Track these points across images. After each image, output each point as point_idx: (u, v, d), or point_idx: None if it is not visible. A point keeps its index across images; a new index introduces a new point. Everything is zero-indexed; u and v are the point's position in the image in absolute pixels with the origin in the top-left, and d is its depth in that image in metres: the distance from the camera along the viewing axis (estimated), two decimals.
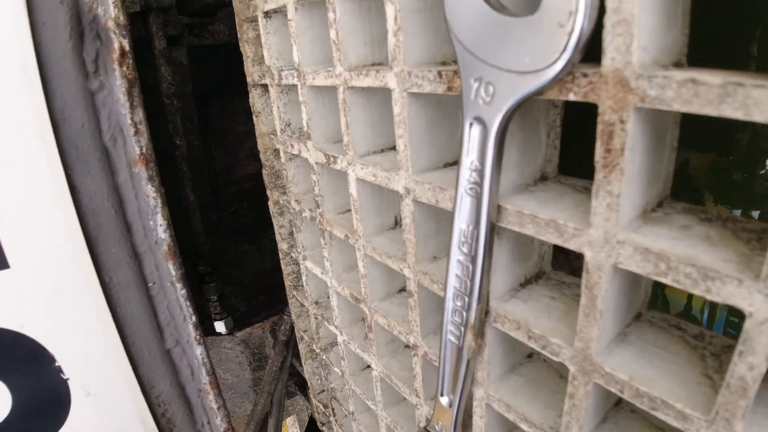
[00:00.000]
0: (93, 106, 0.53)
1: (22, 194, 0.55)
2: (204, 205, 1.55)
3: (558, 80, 0.25)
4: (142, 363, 0.68)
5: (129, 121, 0.54)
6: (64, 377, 0.67)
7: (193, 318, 0.67)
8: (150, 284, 0.64)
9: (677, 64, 0.27)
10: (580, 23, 0.23)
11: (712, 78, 0.21)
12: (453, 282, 0.36)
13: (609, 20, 0.23)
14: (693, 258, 0.24)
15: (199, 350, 0.68)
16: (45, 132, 0.53)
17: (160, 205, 0.59)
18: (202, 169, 1.48)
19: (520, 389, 0.40)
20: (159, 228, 0.60)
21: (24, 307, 0.61)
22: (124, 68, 0.52)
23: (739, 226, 0.27)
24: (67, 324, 0.63)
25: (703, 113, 0.22)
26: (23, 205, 0.55)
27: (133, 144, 0.55)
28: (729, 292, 0.23)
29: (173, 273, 0.63)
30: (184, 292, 0.65)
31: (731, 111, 0.21)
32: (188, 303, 0.65)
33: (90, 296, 0.62)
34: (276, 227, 0.71)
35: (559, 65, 0.24)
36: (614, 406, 0.37)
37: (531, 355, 0.43)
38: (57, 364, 0.66)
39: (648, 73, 0.23)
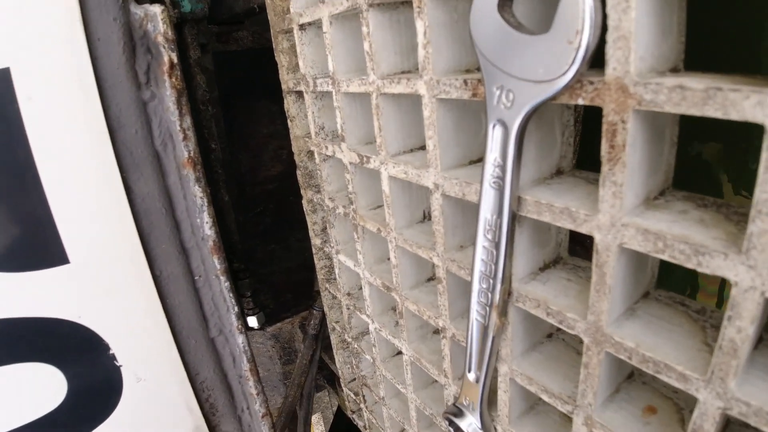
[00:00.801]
0: (145, 114, 0.59)
1: (81, 195, 0.60)
2: (232, 206, 1.61)
3: (569, 87, 0.30)
4: (188, 350, 0.73)
5: (178, 128, 0.60)
6: (118, 364, 0.72)
7: (236, 309, 0.72)
8: (197, 277, 0.69)
9: (674, 70, 0.31)
10: (586, 40, 0.27)
11: (696, 84, 0.25)
12: (479, 266, 0.40)
13: (611, 36, 0.27)
14: (686, 237, 0.28)
15: (240, 339, 0.74)
16: (102, 138, 0.58)
17: (206, 204, 0.64)
18: (228, 171, 1.55)
19: (541, 364, 0.44)
20: (205, 225, 0.66)
21: (82, 299, 0.66)
22: (173, 79, 0.58)
23: (731, 210, 0.31)
24: (122, 314, 0.69)
25: (690, 114, 0.26)
26: (82, 205, 0.61)
27: (182, 148, 0.61)
28: (717, 265, 0.27)
29: (218, 266, 0.68)
30: (227, 284, 0.70)
31: (713, 111, 0.25)
32: (231, 295, 0.71)
33: (142, 288, 0.68)
34: (309, 224, 0.76)
35: (568, 75, 0.28)
36: (626, 378, 0.41)
37: (551, 335, 0.47)
38: (111, 351, 0.71)
39: (644, 80, 0.27)
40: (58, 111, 0.55)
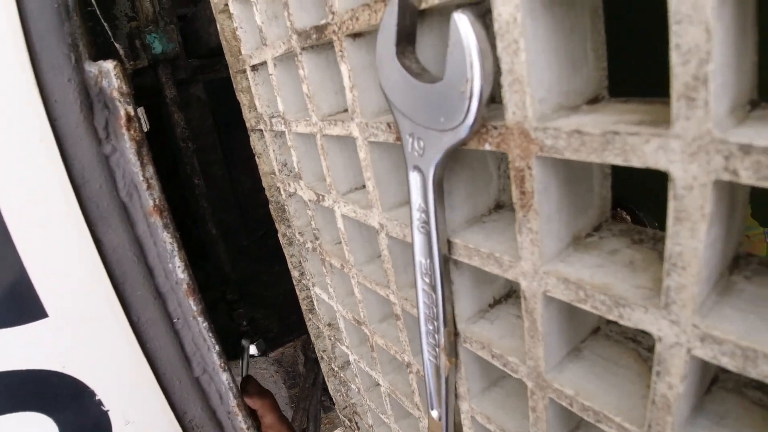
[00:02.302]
0: (108, 168, 0.59)
1: (52, 251, 0.61)
2: (234, 231, 1.62)
3: (475, 133, 0.28)
4: (174, 391, 0.73)
5: (141, 178, 0.60)
6: (105, 409, 0.73)
7: (217, 347, 0.72)
8: (175, 320, 0.69)
9: (593, 100, 0.30)
10: (477, 89, 0.26)
11: (593, 128, 0.24)
12: (423, 308, 0.39)
13: (505, 80, 0.26)
14: (607, 286, 0.26)
15: (224, 376, 0.73)
16: (68, 195, 0.59)
17: (176, 248, 0.64)
18: (228, 196, 1.56)
19: (500, 402, 0.42)
20: (178, 269, 0.65)
21: (64, 350, 0.68)
22: (132, 132, 0.58)
23: None
24: (104, 361, 0.70)
25: (590, 161, 0.24)
26: (54, 261, 0.62)
27: (147, 197, 0.61)
28: (638, 318, 0.25)
29: (194, 308, 0.68)
30: (206, 324, 0.70)
31: (613, 157, 0.23)
32: (210, 334, 0.71)
33: (122, 335, 0.68)
34: (287, 257, 0.75)
35: (467, 124, 0.27)
36: None
37: None
38: (97, 397, 0.72)
39: (543, 125, 0.26)
40: (22, 173, 0.56)
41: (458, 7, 0.28)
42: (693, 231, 0.21)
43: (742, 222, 0.26)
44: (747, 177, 0.18)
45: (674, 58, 0.19)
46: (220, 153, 1.59)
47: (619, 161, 0.23)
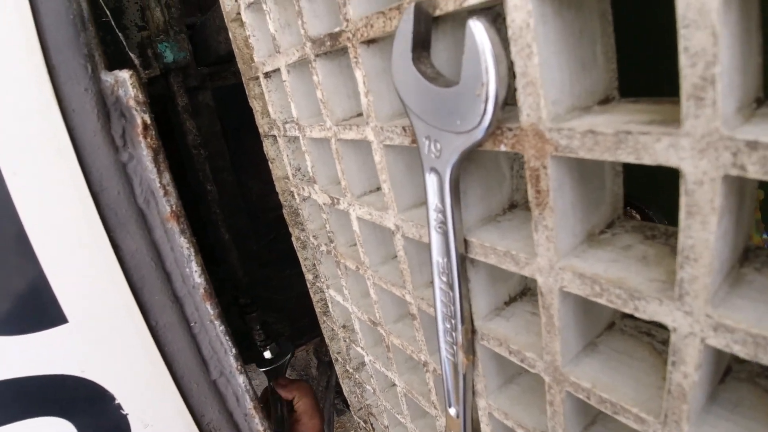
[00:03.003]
0: (126, 175, 0.60)
1: (72, 257, 0.63)
2: (243, 236, 1.63)
3: (490, 134, 0.29)
4: (191, 394, 0.74)
5: (158, 185, 0.61)
6: (124, 413, 0.74)
7: (233, 350, 0.73)
8: (192, 324, 0.70)
9: (605, 101, 0.31)
10: (492, 92, 0.27)
11: (606, 128, 0.25)
12: (440, 307, 0.40)
13: (519, 83, 0.27)
14: (622, 280, 0.27)
15: (241, 379, 0.75)
16: (86, 202, 0.61)
17: (193, 253, 0.66)
18: (237, 201, 1.57)
19: (517, 398, 0.43)
20: (194, 274, 0.67)
21: (83, 354, 0.69)
22: (148, 139, 0.59)
23: None
24: (123, 365, 0.71)
25: (603, 159, 0.25)
26: (74, 267, 0.63)
27: (164, 204, 0.62)
28: (653, 310, 0.26)
29: (211, 312, 0.69)
30: (222, 328, 0.71)
31: (625, 156, 0.24)
32: (227, 338, 0.72)
33: (140, 339, 0.69)
34: (301, 260, 0.77)
35: (483, 126, 0.28)
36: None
37: None
38: (117, 401, 0.73)
39: (558, 125, 0.27)
40: (42, 181, 0.58)
41: (470, 13, 0.29)
42: (704, 224, 0.22)
43: (750, 215, 0.27)
44: (754, 172, 0.19)
45: (683, 60, 0.20)
46: (228, 159, 1.61)
47: (631, 159, 0.24)
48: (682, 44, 0.20)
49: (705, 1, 0.19)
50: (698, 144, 0.20)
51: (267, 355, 1.17)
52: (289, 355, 1.15)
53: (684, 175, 0.21)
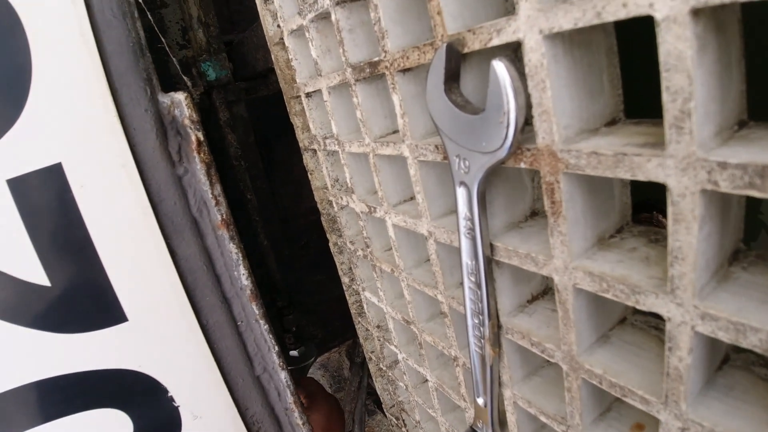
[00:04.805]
0: (181, 187, 0.67)
1: (132, 262, 0.70)
2: (276, 242, 1.70)
3: (511, 154, 0.34)
4: (237, 388, 0.81)
5: (210, 196, 0.68)
6: (176, 404, 0.81)
7: (276, 348, 0.79)
8: (239, 323, 0.77)
9: (611, 123, 0.35)
10: (513, 119, 0.32)
11: (606, 150, 0.29)
12: (469, 304, 0.45)
13: (535, 111, 0.32)
14: (624, 277, 0.32)
15: (283, 375, 0.81)
16: (146, 212, 0.68)
17: (241, 258, 0.72)
18: (270, 208, 1.65)
19: (539, 388, 0.47)
20: (242, 276, 0.73)
21: (141, 350, 0.76)
22: (202, 155, 0.66)
23: None
24: (176, 360, 0.78)
25: (606, 175, 0.30)
26: (134, 270, 0.71)
27: (215, 213, 0.69)
28: (651, 303, 0.31)
29: (257, 312, 0.76)
30: (266, 327, 0.77)
31: (623, 173, 0.29)
32: (271, 336, 0.78)
33: (192, 336, 0.76)
34: (338, 264, 0.82)
35: (505, 147, 0.33)
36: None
37: None
38: (169, 394, 0.80)
39: (568, 147, 0.31)
40: (106, 193, 0.65)
41: (493, 49, 0.34)
42: (688, 229, 0.26)
43: (738, 220, 0.31)
44: (725, 186, 0.24)
45: (665, 96, 0.25)
46: (262, 168, 1.69)
47: (628, 176, 0.29)
48: (664, 84, 0.25)
49: (682, 49, 0.24)
50: (680, 164, 0.25)
51: (293, 353, 1.23)
52: (312, 359, 1.21)
53: (669, 189, 0.26)
